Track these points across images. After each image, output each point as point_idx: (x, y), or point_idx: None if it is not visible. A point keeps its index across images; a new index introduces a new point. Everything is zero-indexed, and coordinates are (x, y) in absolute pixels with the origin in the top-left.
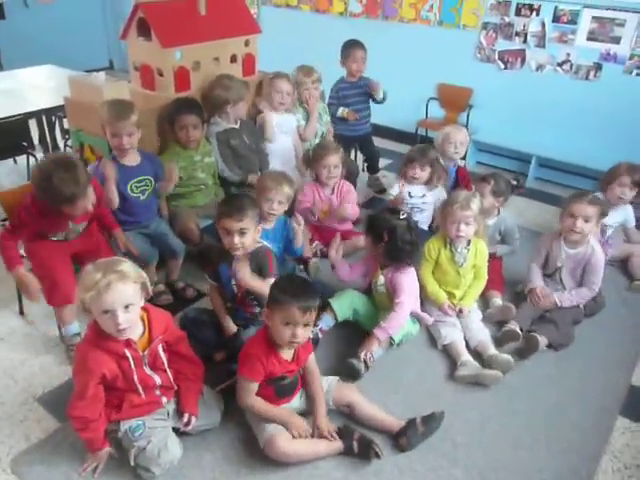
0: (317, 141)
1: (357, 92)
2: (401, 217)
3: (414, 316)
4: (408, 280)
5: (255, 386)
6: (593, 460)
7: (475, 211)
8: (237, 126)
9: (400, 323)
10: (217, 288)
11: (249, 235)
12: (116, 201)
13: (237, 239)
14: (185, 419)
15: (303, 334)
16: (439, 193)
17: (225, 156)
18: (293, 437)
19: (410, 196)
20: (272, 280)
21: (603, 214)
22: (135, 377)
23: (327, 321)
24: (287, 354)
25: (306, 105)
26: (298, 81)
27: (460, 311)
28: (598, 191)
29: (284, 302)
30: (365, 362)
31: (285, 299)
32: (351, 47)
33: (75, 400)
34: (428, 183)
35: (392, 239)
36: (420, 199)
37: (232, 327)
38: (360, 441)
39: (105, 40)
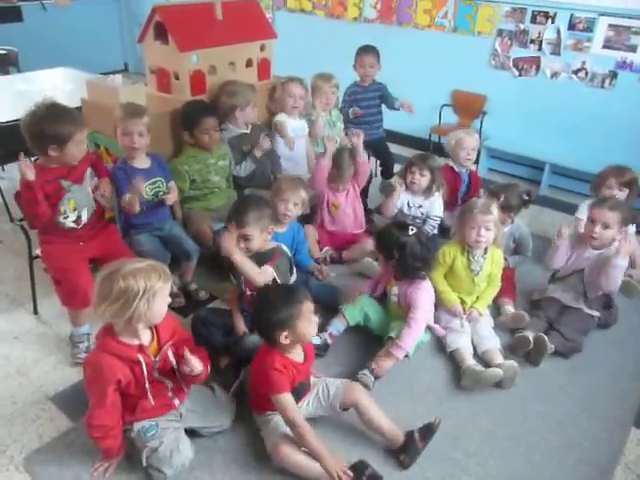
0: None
1: (369, 96)
2: (410, 233)
3: (427, 326)
4: (423, 295)
5: (290, 398)
6: (606, 472)
7: (495, 216)
8: (248, 131)
9: (415, 338)
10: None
11: (254, 240)
12: (137, 206)
13: (241, 244)
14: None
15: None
16: (434, 202)
17: (236, 159)
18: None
19: (409, 206)
20: (268, 270)
21: (627, 220)
22: (146, 383)
23: (337, 326)
24: (298, 355)
25: (322, 108)
26: (316, 86)
27: (470, 314)
28: (591, 196)
29: (298, 307)
30: (375, 374)
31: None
32: (360, 52)
33: (94, 409)
34: (427, 191)
35: (402, 256)
36: (417, 210)
37: (241, 327)
38: (370, 478)
39: (120, 43)
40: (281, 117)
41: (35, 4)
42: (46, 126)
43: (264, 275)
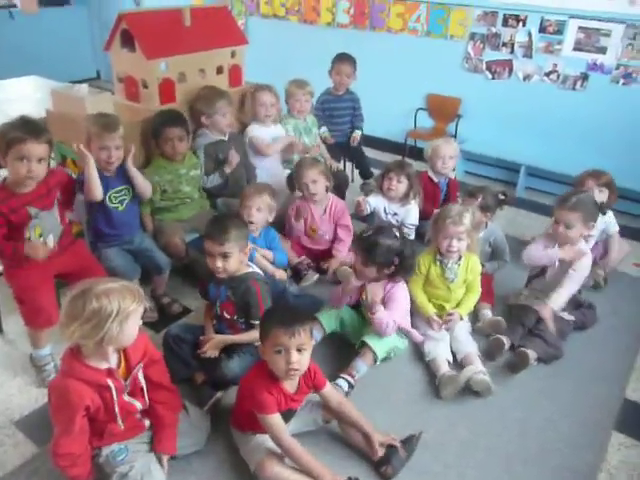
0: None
1: (342, 106)
2: (397, 235)
3: (403, 332)
4: (403, 292)
5: (279, 418)
6: (588, 478)
7: (467, 226)
8: (226, 138)
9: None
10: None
11: (232, 259)
12: (99, 190)
13: (219, 262)
14: (161, 460)
15: (299, 359)
16: (409, 210)
17: (208, 169)
18: None
19: (385, 212)
20: (255, 329)
21: (590, 216)
22: (116, 407)
23: (315, 335)
24: (290, 386)
25: (295, 114)
26: (290, 93)
27: (450, 315)
28: None
29: (270, 329)
30: (349, 382)
31: (270, 326)
32: (337, 60)
33: (60, 437)
34: (404, 198)
35: (402, 261)
36: (393, 217)
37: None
38: None
39: (92, 50)
40: (253, 130)
41: (2, 12)
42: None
43: (252, 334)
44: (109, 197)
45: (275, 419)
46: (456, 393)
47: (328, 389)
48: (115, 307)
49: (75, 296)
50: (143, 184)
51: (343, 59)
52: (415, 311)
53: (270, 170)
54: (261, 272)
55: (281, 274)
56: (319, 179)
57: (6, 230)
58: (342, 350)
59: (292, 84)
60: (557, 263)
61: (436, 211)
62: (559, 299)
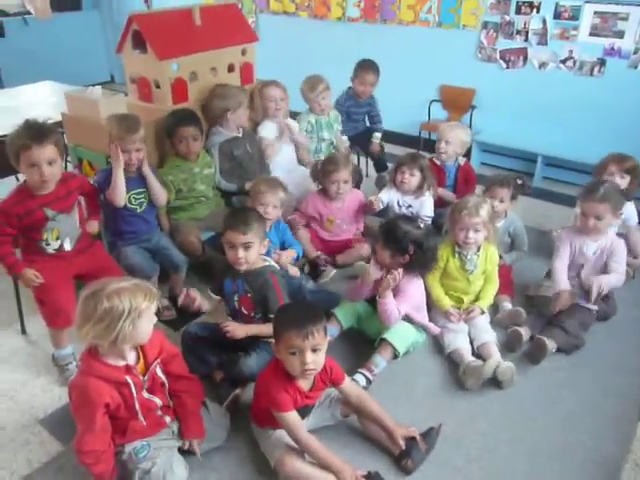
0: (326, 151)
1: (361, 111)
2: (421, 226)
3: (420, 326)
4: (414, 287)
5: (296, 416)
6: (614, 470)
7: (484, 217)
8: (240, 134)
9: (392, 314)
10: (219, 301)
11: (253, 250)
12: (123, 194)
13: (241, 253)
14: (192, 446)
15: (314, 359)
16: (424, 202)
17: (223, 168)
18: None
19: (399, 205)
20: None
21: (619, 205)
22: (136, 404)
23: (331, 331)
24: (305, 384)
25: (318, 113)
26: (305, 95)
27: (471, 311)
28: None
29: (283, 331)
30: (367, 377)
31: (283, 328)
32: (361, 69)
33: (83, 435)
34: (418, 191)
35: (419, 251)
36: (407, 210)
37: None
38: None
39: (105, 54)
40: (263, 129)
41: (16, 19)
42: (8, 140)
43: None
44: (129, 199)
45: (291, 416)
46: (482, 381)
47: (347, 384)
48: (127, 306)
49: (87, 296)
50: (159, 191)
51: (367, 68)
52: (432, 305)
53: (285, 166)
54: (277, 266)
55: (295, 271)
56: (349, 179)
57: (16, 232)
58: (360, 346)
59: (305, 86)
60: (593, 257)
61: (454, 202)
62: (610, 279)
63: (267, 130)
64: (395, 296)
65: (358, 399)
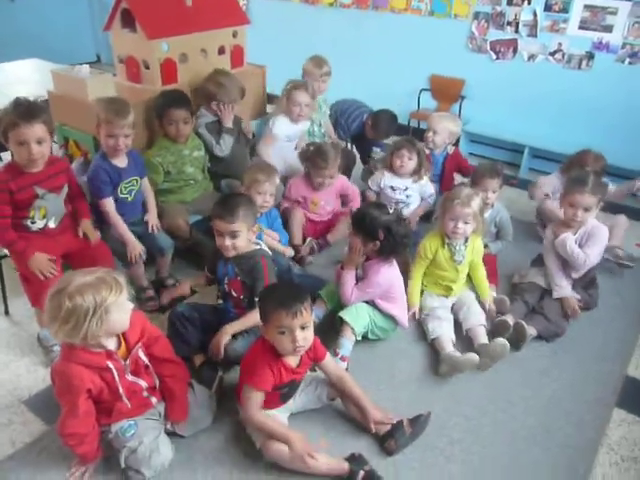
0: (319, 134)
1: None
2: (390, 212)
3: (388, 315)
4: (378, 277)
5: (262, 396)
6: (590, 453)
7: (475, 209)
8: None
9: (346, 296)
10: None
11: (241, 237)
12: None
13: (228, 241)
14: (175, 427)
15: (304, 336)
16: (424, 185)
17: (216, 139)
18: (292, 454)
19: (393, 189)
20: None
21: (603, 198)
22: (120, 388)
23: (317, 312)
24: (293, 360)
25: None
26: (308, 71)
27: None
28: (559, 172)
29: (271, 311)
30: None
31: (271, 308)
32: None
33: (66, 419)
34: (414, 174)
35: (388, 236)
36: (403, 192)
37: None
38: (368, 475)
39: (92, 33)
40: (278, 123)
41: None
42: None
43: (255, 314)
44: (120, 189)
45: (258, 395)
46: (455, 372)
47: (328, 360)
48: (90, 304)
49: (52, 295)
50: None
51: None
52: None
53: (282, 153)
54: (268, 250)
55: (290, 252)
56: (336, 174)
57: (11, 210)
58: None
59: (310, 62)
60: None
61: (444, 194)
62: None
63: (280, 125)
64: (361, 281)
65: (338, 379)
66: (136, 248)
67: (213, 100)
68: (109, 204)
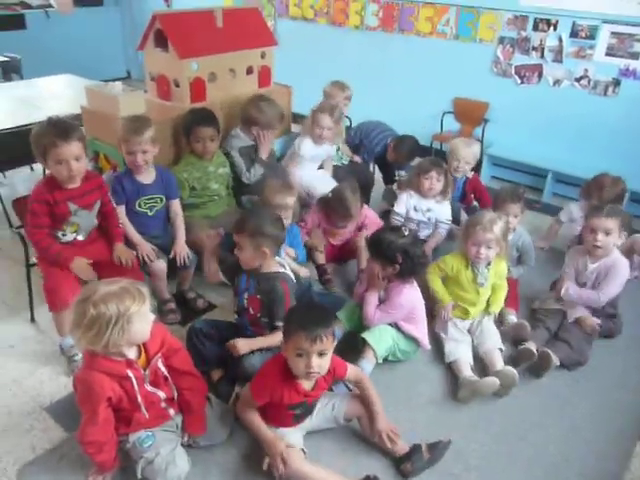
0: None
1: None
2: (406, 234)
3: (410, 337)
4: (401, 298)
5: (255, 405)
6: None
7: (497, 234)
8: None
9: (371, 317)
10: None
11: (244, 251)
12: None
13: (236, 251)
14: (191, 440)
15: (319, 364)
16: (444, 209)
17: (247, 165)
18: (268, 464)
19: (415, 210)
20: (280, 331)
21: (625, 224)
22: (138, 397)
23: (337, 333)
24: (307, 384)
25: None
26: (330, 94)
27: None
28: (580, 198)
29: (292, 331)
30: (347, 386)
31: (293, 329)
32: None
33: (86, 426)
34: (441, 195)
35: (406, 259)
36: (426, 214)
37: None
38: None
39: (122, 50)
40: (303, 145)
41: (38, 12)
42: (33, 138)
43: (277, 337)
44: (139, 203)
45: (252, 401)
46: (475, 397)
47: (349, 373)
48: (114, 312)
49: (78, 302)
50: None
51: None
52: (435, 312)
53: (303, 172)
54: (292, 275)
55: (305, 272)
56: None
57: (50, 221)
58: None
59: (333, 86)
60: (592, 277)
61: (466, 220)
62: (584, 294)
63: (305, 147)
64: (383, 303)
65: (357, 381)
66: (144, 248)
67: (253, 125)
68: (119, 211)
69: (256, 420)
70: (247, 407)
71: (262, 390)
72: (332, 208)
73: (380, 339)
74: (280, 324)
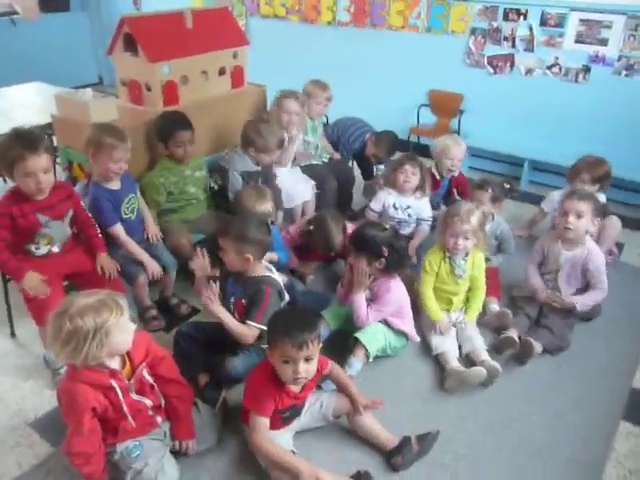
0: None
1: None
2: (387, 228)
3: (399, 332)
4: (390, 294)
5: (267, 422)
6: (597, 467)
7: (474, 225)
8: (259, 169)
9: (364, 318)
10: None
11: (228, 255)
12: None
13: (220, 254)
14: (183, 447)
15: (306, 369)
16: (424, 206)
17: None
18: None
19: (395, 207)
20: (253, 325)
21: (598, 210)
22: (124, 406)
23: (323, 333)
24: (295, 387)
25: (310, 118)
26: (311, 93)
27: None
28: (566, 183)
29: (278, 339)
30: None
31: (278, 336)
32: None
33: (72, 438)
34: (417, 190)
35: (392, 252)
36: (405, 211)
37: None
38: None
39: (94, 56)
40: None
41: (4, 19)
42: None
43: (251, 331)
44: (123, 210)
45: (263, 420)
46: (463, 387)
47: (330, 368)
48: (90, 326)
49: (54, 316)
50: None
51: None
52: (420, 309)
53: (288, 182)
54: (280, 280)
55: (282, 278)
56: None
57: (10, 235)
58: (345, 347)
59: (314, 85)
60: (565, 266)
61: (444, 208)
62: (591, 297)
63: None
64: (372, 301)
65: (332, 373)
66: (152, 266)
67: (249, 146)
68: (119, 230)
69: (281, 450)
70: (261, 435)
71: (263, 401)
72: (314, 240)
73: (373, 338)
74: (252, 324)
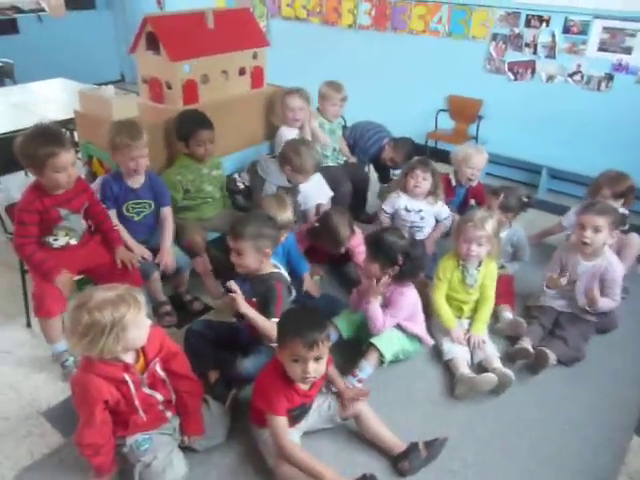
0: (331, 157)
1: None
2: (406, 236)
3: (413, 336)
4: (404, 299)
5: (285, 422)
6: None
7: (489, 232)
8: (290, 186)
9: (380, 324)
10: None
11: (246, 257)
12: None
13: (234, 257)
14: (191, 441)
15: (316, 369)
16: (440, 209)
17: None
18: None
19: (407, 210)
20: (275, 321)
21: (616, 223)
22: (135, 400)
23: (332, 336)
24: (304, 385)
25: (328, 116)
26: (327, 95)
27: (469, 339)
28: (587, 196)
29: (288, 338)
30: (352, 383)
31: (289, 335)
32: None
33: (83, 428)
34: (429, 195)
35: (407, 260)
36: (417, 214)
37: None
38: None
39: (116, 53)
40: (283, 134)
41: (31, 16)
42: (22, 148)
43: (271, 327)
44: (126, 207)
45: (281, 421)
46: (473, 394)
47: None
48: (108, 320)
49: (73, 309)
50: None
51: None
52: (431, 314)
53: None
54: (287, 275)
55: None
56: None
57: (38, 230)
58: (355, 353)
59: (328, 86)
60: (583, 276)
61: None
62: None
63: (284, 135)
64: (386, 307)
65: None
66: (143, 252)
67: (286, 164)
68: (111, 215)
69: (312, 459)
70: (282, 435)
71: (276, 400)
72: (321, 237)
73: (389, 343)
74: (275, 320)
